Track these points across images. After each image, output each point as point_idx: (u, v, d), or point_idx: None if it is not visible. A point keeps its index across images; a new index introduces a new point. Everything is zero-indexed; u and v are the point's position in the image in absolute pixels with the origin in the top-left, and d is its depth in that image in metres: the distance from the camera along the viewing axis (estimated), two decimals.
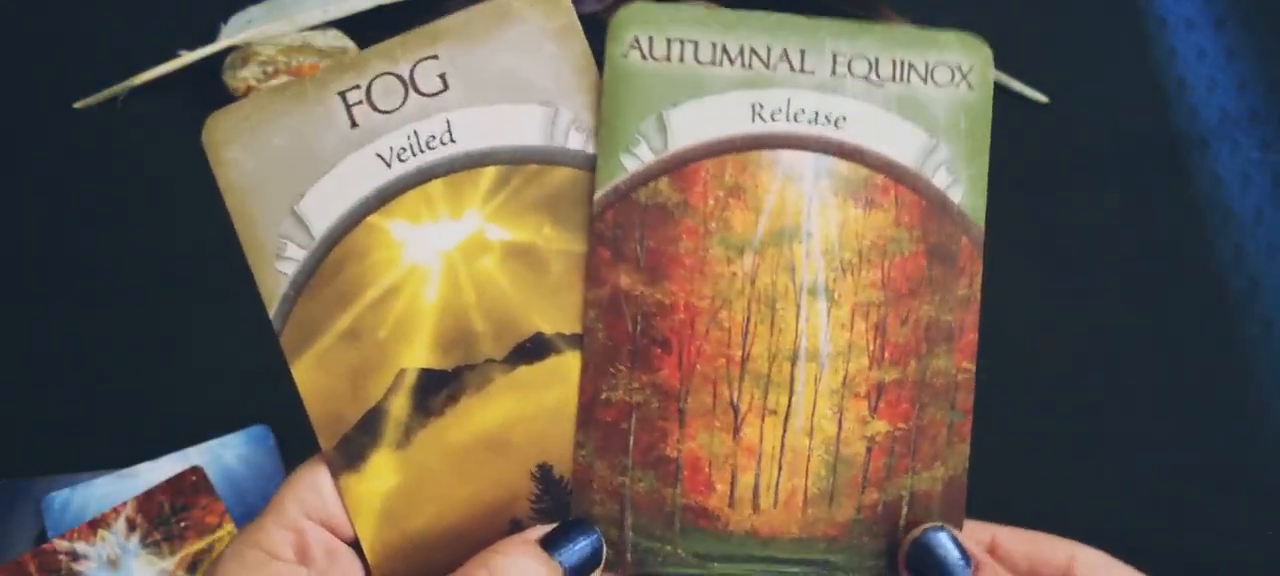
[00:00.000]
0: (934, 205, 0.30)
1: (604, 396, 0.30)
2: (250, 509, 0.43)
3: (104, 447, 0.45)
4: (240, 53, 0.51)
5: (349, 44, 0.52)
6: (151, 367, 0.47)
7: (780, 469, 0.30)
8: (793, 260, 0.30)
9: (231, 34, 0.52)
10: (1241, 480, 0.47)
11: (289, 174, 0.29)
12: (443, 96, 0.29)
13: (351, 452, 0.29)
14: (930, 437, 0.31)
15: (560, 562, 0.29)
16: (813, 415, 0.30)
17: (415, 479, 0.30)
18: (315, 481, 0.30)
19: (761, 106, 0.30)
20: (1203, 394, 0.47)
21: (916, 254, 0.30)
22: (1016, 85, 0.52)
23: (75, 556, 0.42)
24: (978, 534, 0.31)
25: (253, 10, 0.53)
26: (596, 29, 0.31)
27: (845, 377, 0.30)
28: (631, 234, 0.30)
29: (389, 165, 0.29)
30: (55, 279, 0.48)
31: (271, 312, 0.29)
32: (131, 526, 0.42)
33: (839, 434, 0.30)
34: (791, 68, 0.30)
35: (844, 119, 0.30)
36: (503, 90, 0.29)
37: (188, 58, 0.52)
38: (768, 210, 0.30)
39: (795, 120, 0.30)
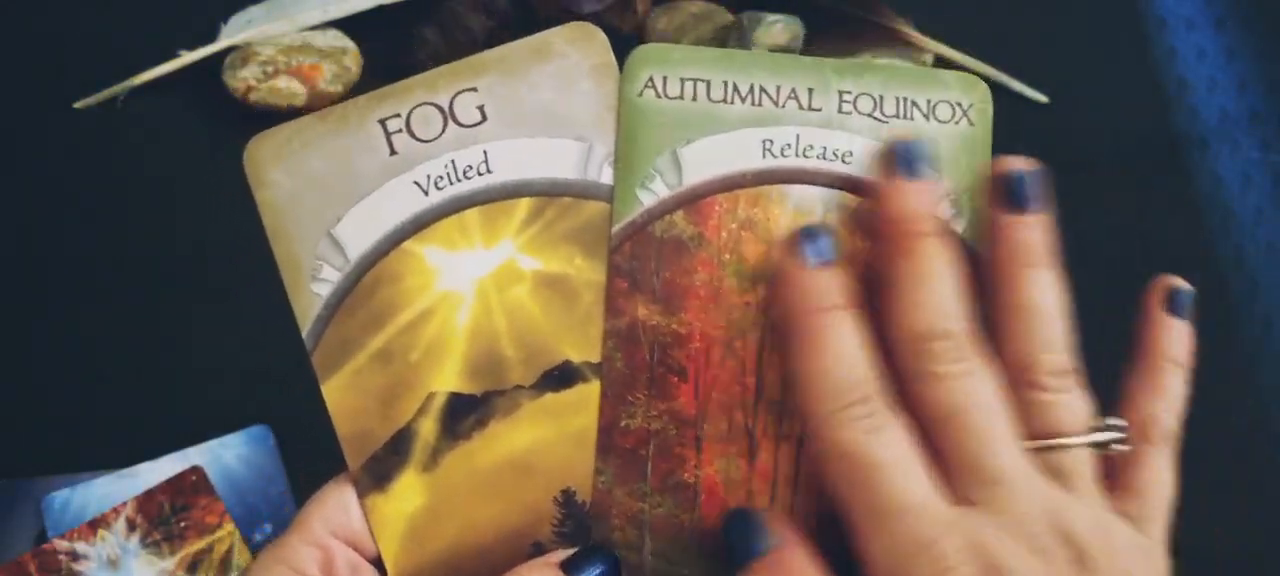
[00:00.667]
0: None
1: (623, 424, 0.30)
2: (250, 509, 0.43)
3: (104, 447, 0.45)
4: (240, 53, 0.51)
5: (349, 44, 0.52)
6: (151, 367, 0.47)
7: (795, 493, 0.30)
8: None
9: (231, 34, 0.52)
10: (1241, 480, 0.47)
11: (327, 197, 0.29)
12: (481, 127, 0.30)
13: (379, 472, 0.30)
14: None
15: None
16: None
17: (440, 500, 0.30)
18: (341, 499, 0.30)
19: (771, 143, 0.31)
20: (1203, 394, 0.47)
21: None
22: (1016, 85, 0.52)
23: (75, 556, 0.42)
24: None
25: (253, 10, 0.53)
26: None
27: None
28: (648, 266, 0.30)
29: (426, 193, 0.29)
30: (55, 279, 0.48)
31: (304, 332, 0.29)
32: (131, 526, 0.42)
33: None
34: (799, 106, 0.31)
35: (851, 154, 0.31)
36: (539, 124, 0.30)
37: (188, 58, 0.52)
38: (778, 243, 0.30)
39: (804, 155, 0.31)
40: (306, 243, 0.29)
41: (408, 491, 0.30)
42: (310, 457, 0.42)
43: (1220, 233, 0.50)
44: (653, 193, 0.30)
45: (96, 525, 0.42)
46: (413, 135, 0.29)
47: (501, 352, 0.30)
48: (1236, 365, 0.48)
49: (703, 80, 0.31)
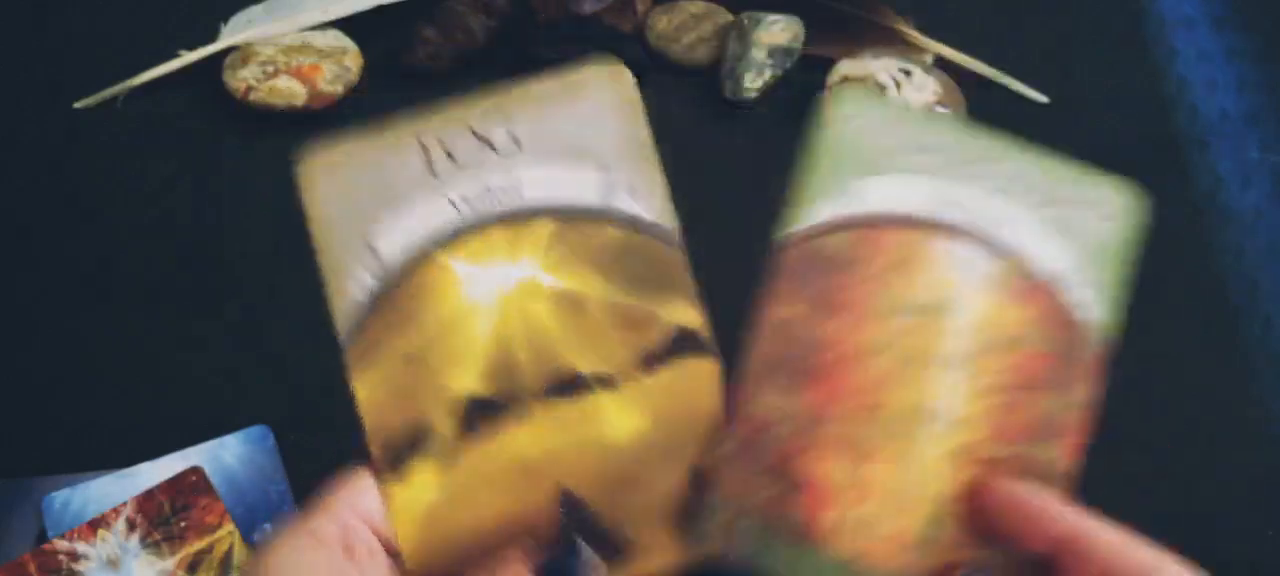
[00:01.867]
0: (1070, 317, 0.33)
1: (750, 408, 0.32)
2: (250, 508, 0.43)
3: (104, 447, 0.45)
4: (240, 53, 0.51)
5: (349, 44, 0.52)
6: (151, 367, 0.47)
7: (890, 510, 0.32)
8: (941, 331, 0.33)
9: (231, 34, 0.52)
10: (1241, 480, 0.47)
11: (369, 209, 0.32)
12: (513, 154, 0.32)
13: (398, 463, 0.32)
14: None
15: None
16: (928, 471, 0.32)
17: (455, 494, 0.32)
18: (362, 484, 0.32)
19: (941, 196, 0.33)
20: (1203, 393, 0.47)
21: (1047, 354, 0.33)
22: (1016, 85, 0.52)
23: (75, 556, 0.42)
24: (1060, 525, 0.32)
25: (253, 10, 0.53)
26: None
27: (963, 445, 0.32)
28: (807, 274, 0.33)
29: (459, 210, 0.32)
30: (55, 279, 0.48)
31: (341, 332, 0.32)
32: (131, 526, 0.42)
33: (948, 494, 0.33)
34: (974, 172, 0.33)
35: (1008, 224, 0.33)
36: (567, 154, 0.32)
37: (188, 58, 0.52)
38: (929, 283, 0.33)
39: (972, 216, 0.33)
40: (348, 250, 0.32)
41: (424, 484, 0.32)
42: (310, 457, 0.42)
43: (1220, 232, 0.50)
44: (826, 210, 0.33)
45: (96, 525, 0.42)
46: (450, 157, 0.32)
47: (519, 361, 0.32)
48: (1236, 365, 0.48)
49: (896, 126, 0.34)
